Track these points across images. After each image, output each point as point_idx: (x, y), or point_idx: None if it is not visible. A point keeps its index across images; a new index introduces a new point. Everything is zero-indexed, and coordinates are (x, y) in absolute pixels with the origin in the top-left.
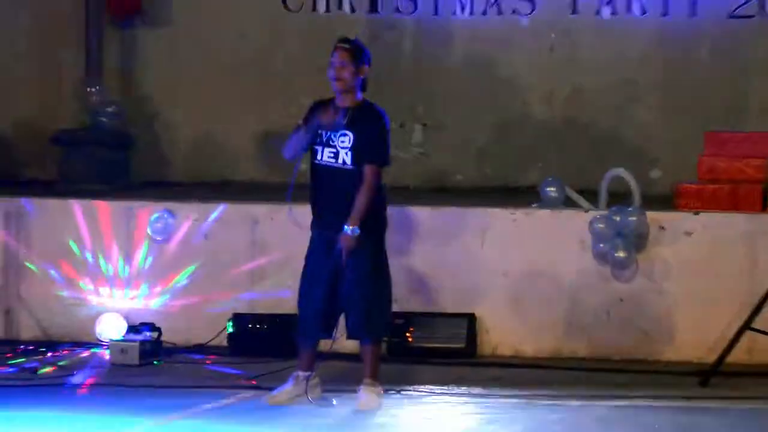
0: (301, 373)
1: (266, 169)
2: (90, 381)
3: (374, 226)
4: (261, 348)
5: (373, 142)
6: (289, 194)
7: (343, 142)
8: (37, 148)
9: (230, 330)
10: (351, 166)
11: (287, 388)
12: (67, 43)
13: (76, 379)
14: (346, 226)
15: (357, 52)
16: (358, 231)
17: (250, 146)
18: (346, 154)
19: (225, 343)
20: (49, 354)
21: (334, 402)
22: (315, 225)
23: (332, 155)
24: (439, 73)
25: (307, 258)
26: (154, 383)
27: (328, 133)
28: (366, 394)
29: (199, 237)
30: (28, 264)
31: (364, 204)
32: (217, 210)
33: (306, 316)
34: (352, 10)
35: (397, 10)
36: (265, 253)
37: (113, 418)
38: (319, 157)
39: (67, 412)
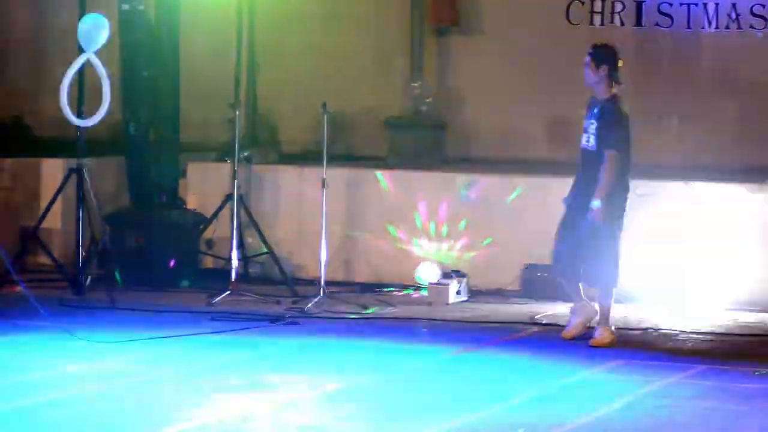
0: (576, 305)
1: (553, 148)
2: (411, 316)
3: (612, 201)
4: (548, 292)
5: (608, 130)
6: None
7: (591, 127)
8: (373, 130)
9: (522, 277)
10: (595, 149)
11: (574, 321)
12: (398, 48)
13: (401, 314)
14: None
15: (595, 56)
16: (599, 204)
17: (539, 130)
18: (594, 138)
19: (519, 287)
20: (380, 293)
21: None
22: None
23: (586, 139)
24: (689, 75)
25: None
26: (462, 319)
27: (586, 122)
28: (599, 331)
29: (499, 203)
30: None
31: (603, 182)
32: (517, 181)
33: (555, 262)
34: (622, 23)
35: (657, 24)
36: (552, 216)
37: (428, 347)
38: (580, 141)
39: (392, 341)
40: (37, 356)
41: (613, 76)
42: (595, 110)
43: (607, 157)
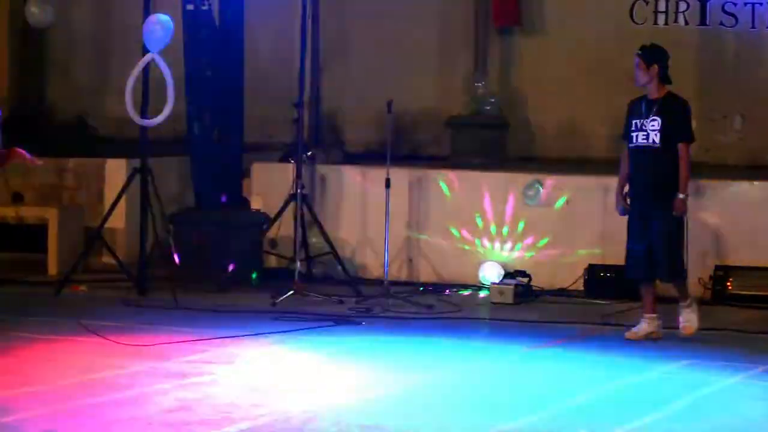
0: (647, 315)
1: (615, 147)
2: (475, 316)
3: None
4: (610, 292)
5: (677, 123)
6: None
7: (653, 126)
8: (435, 130)
9: (586, 276)
10: (659, 145)
11: (642, 326)
12: (460, 48)
13: (464, 313)
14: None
15: (645, 56)
16: (684, 196)
17: (602, 129)
18: (658, 135)
19: (582, 287)
20: (443, 293)
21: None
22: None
23: (644, 137)
24: (755, 74)
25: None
26: (525, 319)
27: (641, 121)
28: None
29: (562, 202)
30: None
31: (685, 174)
32: (579, 181)
33: (631, 265)
34: (686, 23)
35: (721, 23)
36: (614, 215)
37: (492, 346)
38: (633, 141)
39: (455, 340)
40: (99, 355)
41: (663, 76)
42: (655, 108)
43: (682, 148)
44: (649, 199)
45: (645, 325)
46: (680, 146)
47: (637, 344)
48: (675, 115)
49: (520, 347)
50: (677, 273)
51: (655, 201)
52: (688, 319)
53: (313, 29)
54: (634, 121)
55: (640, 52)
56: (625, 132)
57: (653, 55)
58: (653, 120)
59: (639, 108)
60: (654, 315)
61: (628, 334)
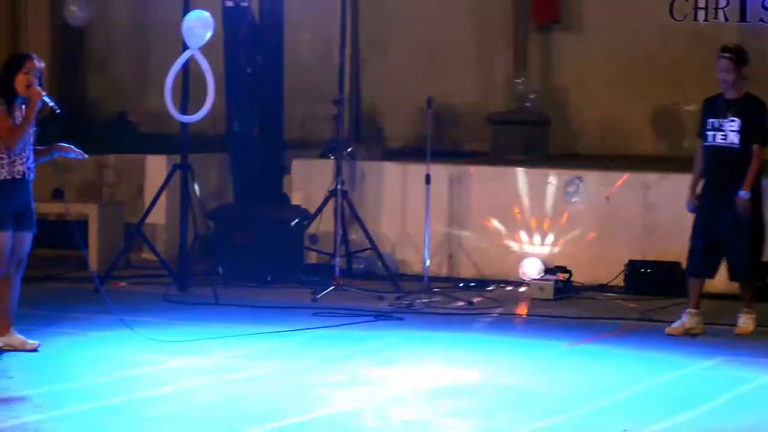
0: (691, 310)
1: (655, 143)
2: (515, 312)
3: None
4: (651, 288)
5: (754, 125)
6: None
7: (732, 127)
8: (475, 126)
9: (626, 272)
10: (737, 145)
11: (684, 321)
12: (501, 45)
13: (504, 309)
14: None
15: (736, 58)
16: (746, 194)
17: (643, 126)
18: (736, 135)
19: (622, 283)
20: (483, 289)
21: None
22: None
23: (723, 137)
24: None
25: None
26: (565, 314)
27: (718, 121)
28: (743, 319)
29: (602, 198)
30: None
31: (753, 174)
32: (619, 177)
33: (694, 259)
34: (726, 19)
35: (761, 20)
36: (654, 212)
37: (532, 342)
38: (710, 140)
39: (495, 336)
40: (140, 351)
41: (744, 77)
42: (733, 108)
43: (756, 148)
44: (725, 198)
45: (687, 320)
46: (754, 147)
47: (677, 340)
48: (753, 117)
49: (561, 343)
50: (747, 274)
51: (731, 201)
52: (745, 322)
53: (352, 25)
54: (710, 121)
55: (731, 54)
56: (700, 130)
57: (743, 57)
58: (732, 120)
59: (716, 107)
60: (696, 311)
61: (669, 329)
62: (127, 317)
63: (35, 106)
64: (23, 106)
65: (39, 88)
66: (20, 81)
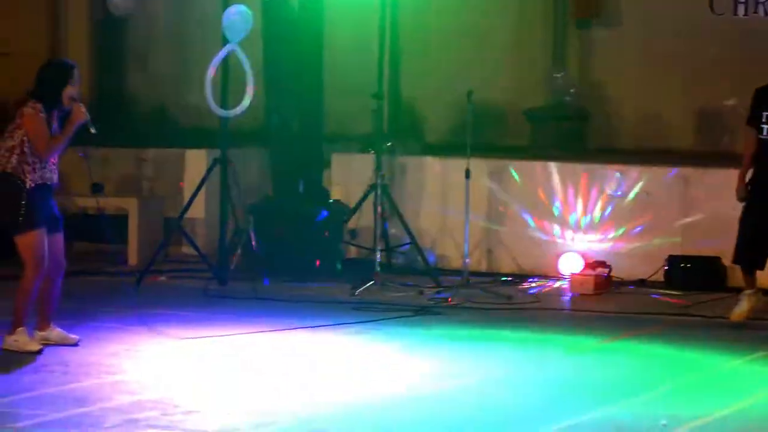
0: (746, 292)
1: (695, 138)
2: (554, 307)
3: None
4: (691, 282)
5: None
6: None
7: None
8: (514, 121)
9: (666, 267)
10: None
11: (743, 305)
12: (539, 39)
13: (543, 304)
14: None
15: None
16: None
17: (682, 120)
18: None
19: (662, 278)
20: (522, 284)
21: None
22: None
23: None
24: None
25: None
26: (605, 309)
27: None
28: None
29: (642, 193)
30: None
31: None
32: (659, 172)
33: (741, 248)
34: (765, 13)
35: None
36: (694, 206)
37: (571, 337)
38: (765, 134)
39: (534, 331)
40: (179, 345)
41: None
42: None
43: None
44: None
45: (745, 303)
46: None
47: (717, 335)
48: None
49: (599, 338)
50: None
51: None
52: None
53: (392, 20)
54: (764, 113)
55: None
56: (750, 120)
57: None
58: None
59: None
60: (752, 290)
61: (733, 316)
62: (167, 311)
63: (76, 124)
64: (55, 113)
65: (83, 108)
66: (67, 93)
